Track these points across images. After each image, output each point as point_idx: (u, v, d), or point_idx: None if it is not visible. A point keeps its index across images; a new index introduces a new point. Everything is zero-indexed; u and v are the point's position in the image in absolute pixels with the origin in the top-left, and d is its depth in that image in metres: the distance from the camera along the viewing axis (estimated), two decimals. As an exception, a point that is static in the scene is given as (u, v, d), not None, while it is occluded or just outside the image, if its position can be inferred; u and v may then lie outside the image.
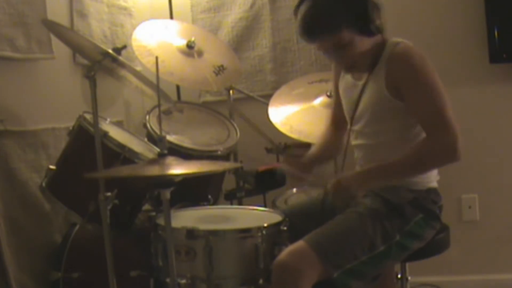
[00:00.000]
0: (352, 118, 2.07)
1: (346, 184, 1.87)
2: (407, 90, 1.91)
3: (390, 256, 1.91)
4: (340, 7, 1.86)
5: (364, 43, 1.93)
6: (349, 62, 1.97)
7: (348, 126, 2.11)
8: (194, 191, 2.41)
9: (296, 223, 2.01)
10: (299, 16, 1.91)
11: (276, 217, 1.98)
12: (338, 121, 2.25)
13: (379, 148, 2.01)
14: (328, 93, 2.75)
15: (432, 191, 2.01)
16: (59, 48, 2.53)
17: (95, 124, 2.00)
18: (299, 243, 1.82)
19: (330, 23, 1.87)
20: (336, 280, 1.81)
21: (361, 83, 2.03)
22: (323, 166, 2.05)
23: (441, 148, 1.86)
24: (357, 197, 1.96)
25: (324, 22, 1.88)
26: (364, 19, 1.88)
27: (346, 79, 2.12)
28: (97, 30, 2.92)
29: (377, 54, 1.97)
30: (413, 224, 1.94)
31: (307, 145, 2.35)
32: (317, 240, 1.82)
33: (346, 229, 1.88)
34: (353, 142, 2.10)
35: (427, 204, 1.98)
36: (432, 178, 2.03)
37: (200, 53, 2.87)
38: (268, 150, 2.79)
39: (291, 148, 2.69)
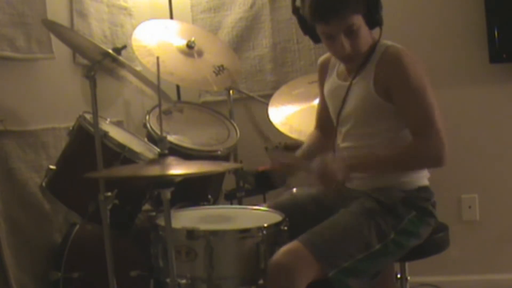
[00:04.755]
0: (338, 119, 2.07)
1: (331, 168, 1.87)
2: (397, 93, 1.92)
3: (387, 254, 1.91)
4: None
5: (366, 34, 1.95)
6: (351, 51, 1.93)
7: (335, 128, 2.10)
8: (194, 191, 2.41)
9: (291, 216, 2.00)
10: None
11: (276, 217, 1.98)
12: (323, 125, 2.26)
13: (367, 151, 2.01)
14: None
15: (422, 189, 2.02)
16: (59, 48, 2.53)
17: (95, 124, 2.00)
18: (294, 243, 1.82)
19: (351, 1, 1.87)
20: (331, 279, 1.81)
21: (347, 83, 2.03)
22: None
23: (427, 154, 1.89)
24: (340, 183, 1.97)
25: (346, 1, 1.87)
26: (373, 6, 1.90)
27: (332, 80, 2.12)
28: (97, 30, 2.92)
29: (366, 55, 1.97)
30: (407, 222, 1.94)
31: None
32: (311, 240, 1.83)
33: (341, 228, 1.88)
34: (341, 144, 2.10)
35: (418, 202, 1.99)
36: (422, 176, 2.04)
37: (200, 53, 2.87)
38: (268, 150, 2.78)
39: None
